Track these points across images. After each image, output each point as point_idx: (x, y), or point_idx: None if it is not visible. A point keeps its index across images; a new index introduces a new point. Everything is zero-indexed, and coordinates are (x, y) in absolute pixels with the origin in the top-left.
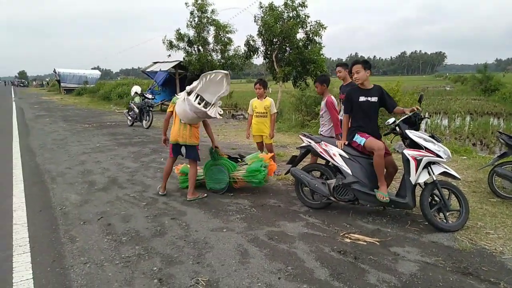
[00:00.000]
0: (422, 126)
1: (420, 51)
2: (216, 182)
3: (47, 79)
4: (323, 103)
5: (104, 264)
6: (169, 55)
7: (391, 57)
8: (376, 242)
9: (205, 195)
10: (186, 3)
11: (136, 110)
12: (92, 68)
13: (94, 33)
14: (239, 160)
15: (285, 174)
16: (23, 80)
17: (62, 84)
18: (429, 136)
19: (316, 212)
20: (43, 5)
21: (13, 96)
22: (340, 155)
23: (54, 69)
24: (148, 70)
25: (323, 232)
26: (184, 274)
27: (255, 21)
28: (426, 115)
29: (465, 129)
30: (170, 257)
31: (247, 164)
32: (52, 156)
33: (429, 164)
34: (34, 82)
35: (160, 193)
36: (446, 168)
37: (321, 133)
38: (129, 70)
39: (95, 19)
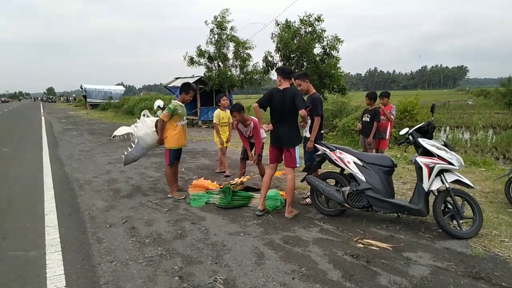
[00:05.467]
0: (443, 137)
1: (441, 65)
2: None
3: (74, 95)
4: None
5: (129, 263)
6: (193, 75)
7: (411, 71)
8: (389, 248)
9: (183, 197)
10: (205, 21)
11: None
12: (116, 84)
13: (119, 51)
14: (258, 189)
15: (301, 181)
16: (51, 96)
17: (88, 100)
18: (442, 144)
19: (331, 219)
20: (70, 24)
21: (42, 111)
22: (355, 162)
23: (81, 85)
24: (170, 85)
25: (337, 237)
26: (203, 273)
27: (272, 38)
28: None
29: (487, 142)
30: (190, 257)
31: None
32: (79, 166)
33: (441, 172)
34: (61, 98)
35: (176, 197)
36: (459, 176)
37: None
38: (152, 86)
39: (119, 37)
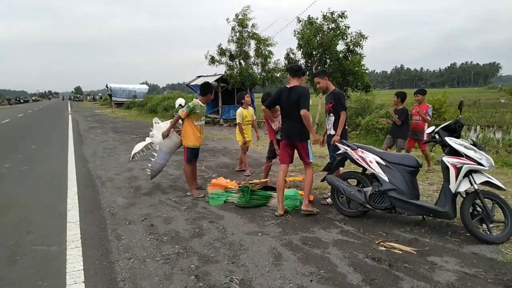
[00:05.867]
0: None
1: (471, 62)
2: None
3: (100, 94)
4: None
5: (146, 260)
6: (215, 73)
7: (439, 68)
8: (413, 251)
9: (202, 195)
10: (227, 19)
11: (180, 122)
12: (140, 83)
13: (144, 50)
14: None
15: (321, 181)
16: (78, 95)
17: (113, 98)
18: (471, 143)
19: (352, 220)
20: (97, 25)
21: (69, 109)
22: (377, 162)
23: (106, 84)
24: (192, 84)
25: (358, 239)
26: (219, 273)
27: (294, 35)
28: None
29: None
30: (207, 256)
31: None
32: (102, 163)
33: (470, 173)
34: (88, 96)
35: (195, 195)
36: (489, 178)
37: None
38: (175, 85)
39: (144, 37)
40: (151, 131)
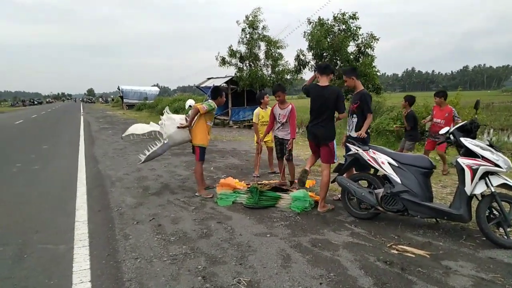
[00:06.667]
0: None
1: (484, 64)
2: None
3: (112, 96)
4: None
5: (153, 260)
6: (226, 75)
7: (451, 71)
8: (426, 255)
9: (211, 195)
10: (237, 21)
11: (184, 122)
12: (152, 85)
13: (155, 52)
14: (286, 189)
15: (331, 182)
16: (90, 97)
17: (124, 100)
18: (487, 144)
19: (363, 222)
20: (109, 28)
21: (81, 111)
22: (389, 163)
23: (118, 86)
24: (202, 85)
25: (369, 242)
26: (226, 274)
27: (304, 37)
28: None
29: None
30: (214, 257)
31: (291, 191)
32: (112, 163)
33: (486, 175)
34: (100, 98)
35: (204, 196)
36: (506, 180)
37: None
38: (186, 87)
39: (156, 39)
40: (162, 120)
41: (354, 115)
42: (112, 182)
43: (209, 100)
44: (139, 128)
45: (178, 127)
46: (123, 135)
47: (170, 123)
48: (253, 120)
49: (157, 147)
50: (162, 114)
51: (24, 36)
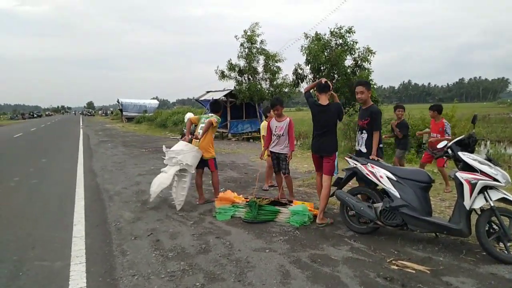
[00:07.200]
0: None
1: (479, 77)
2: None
3: (111, 109)
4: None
5: (151, 277)
6: (224, 88)
7: (447, 84)
8: (427, 271)
9: (213, 200)
10: (235, 36)
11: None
12: (151, 98)
13: (155, 66)
14: (285, 203)
15: (330, 196)
16: (90, 110)
17: (124, 113)
18: (485, 158)
19: (362, 237)
20: (108, 41)
21: (81, 124)
22: (388, 177)
23: (118, 99)
24: (201, 99)
25: (369, 257)
26: None
27: (301, 51)
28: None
29: None
30: (212, 274)
31: (289, 205)
32: (111, 177)
33: (485, 189)
34: (100, 111)
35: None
36: (505, 194)
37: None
38: (185, 100)
39: (155, 53)
40: (171, 157)
41: (364, 131)
42: (110, 196)
43: (210, 114)
44: (162, 182)
45: (184, 140)
46: (151, 198)
47: (188, 149)
48: (261, 133)
49: (186, 184)
50: (162, 127)
51: (24, 49)
